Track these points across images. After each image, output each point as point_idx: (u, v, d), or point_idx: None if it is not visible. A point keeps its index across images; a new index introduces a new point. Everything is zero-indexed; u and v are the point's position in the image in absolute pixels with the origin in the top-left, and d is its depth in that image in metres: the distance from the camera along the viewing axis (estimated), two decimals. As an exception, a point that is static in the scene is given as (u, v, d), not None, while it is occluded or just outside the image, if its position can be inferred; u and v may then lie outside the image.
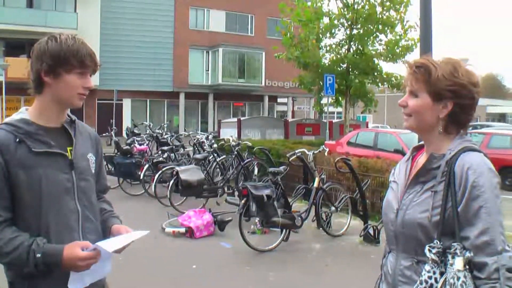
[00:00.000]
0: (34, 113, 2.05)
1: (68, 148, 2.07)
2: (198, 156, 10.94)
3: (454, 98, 1.81)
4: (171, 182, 9.15)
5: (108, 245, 1.96)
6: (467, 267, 1.65)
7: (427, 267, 1.72)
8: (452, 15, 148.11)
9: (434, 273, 1.70)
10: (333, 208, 8.05)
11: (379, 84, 20.14)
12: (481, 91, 1.88)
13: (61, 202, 2.01)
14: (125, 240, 2.03)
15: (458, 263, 1.64)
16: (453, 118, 1.85)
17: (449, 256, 1.68)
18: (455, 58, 1.90)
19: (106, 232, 2.22)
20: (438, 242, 1.72)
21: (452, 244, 1.68)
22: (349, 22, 18.95)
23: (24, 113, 2.05)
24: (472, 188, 1.69)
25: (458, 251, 1.66)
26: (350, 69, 19.29)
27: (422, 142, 2.01)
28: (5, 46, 30.73)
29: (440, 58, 1.89)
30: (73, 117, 2.18)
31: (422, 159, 1.97)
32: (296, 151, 8.59)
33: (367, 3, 18.50)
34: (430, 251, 1.71)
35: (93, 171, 2.20)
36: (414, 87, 1.88)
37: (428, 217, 1.77)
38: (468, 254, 1.65)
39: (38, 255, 1.85)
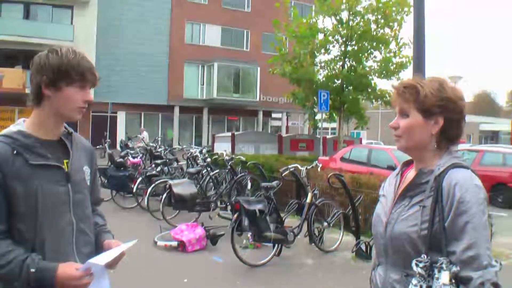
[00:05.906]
0: (32, 125, 2.04)
1: (65, 161, 2.06)
2: (191, 170, 10.94)
3: (444, 113, 1.85)
4: (164, 196, 9.14)
5: (99, 260, 1.95)
6: (453, 281, 1.66)
7: (414, 280, 1.73)
8: (446, 33, 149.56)
9: (421, 287, 1.71)
10: (325, 224, 8.05)
11: (373, 101, 20.24)
12: (467, 105, 1.92)
13: (57, 215, 1.99)
14: (115, 253, 2.02)
15: (444, 277, 1.66)
16: (445, 134, 1.88)
17: (436, 270, 1.69)
18: (440, 76, 1.95)
19: (98, 247, 2.20)
20: (426, 257, 1.74)
21: (439, 258, 1.70)
22: (344, 39, 19.11)
23: (21, 125, 2.04)
24: (458, 203, 1.72)
25: (444, 266, 1.67)
26: (344, 85, 19.42)
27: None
28: (0, 56, 30.47)
29: (425, 78, 1.94)
30: (70, 130, 2.18)
31: (411, 174, 1.99)
32: (290, 166, 8.60)
33: (362, 20, 18.69)
34: (417, 265, 1.73)
35: (88, 183, 2.19)
36: (403, 107, 1.92)
37: (417, 231, 1.79)
38: (454, 269, 1.66)
39: (32, 270, 1.83)
